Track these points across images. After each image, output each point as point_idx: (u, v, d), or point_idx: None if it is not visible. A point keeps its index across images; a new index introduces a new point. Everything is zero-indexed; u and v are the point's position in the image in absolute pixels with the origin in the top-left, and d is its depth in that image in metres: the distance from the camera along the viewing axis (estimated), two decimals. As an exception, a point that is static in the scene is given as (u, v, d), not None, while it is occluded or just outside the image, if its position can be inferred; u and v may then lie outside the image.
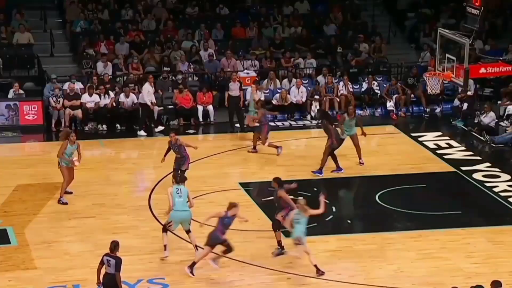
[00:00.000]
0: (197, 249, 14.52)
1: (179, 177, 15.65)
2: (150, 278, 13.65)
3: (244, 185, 17.81)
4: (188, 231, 14.71)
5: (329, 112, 22.24)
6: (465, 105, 22.40)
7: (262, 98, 22.73)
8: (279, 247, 14.80)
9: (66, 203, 16.72)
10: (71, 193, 17.07)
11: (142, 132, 21.30)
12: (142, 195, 17.44)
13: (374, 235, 15.68)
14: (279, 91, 23.04)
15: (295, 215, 14.20)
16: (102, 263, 12.33)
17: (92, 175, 18.12)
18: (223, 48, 24.82)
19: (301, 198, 14.73)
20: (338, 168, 18.31)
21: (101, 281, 12.31)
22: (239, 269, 14.32)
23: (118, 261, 12.25)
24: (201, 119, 22.20)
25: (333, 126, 18.16)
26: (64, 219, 16.22)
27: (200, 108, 22.18)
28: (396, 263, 14.55)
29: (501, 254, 14.87)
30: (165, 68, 23.55)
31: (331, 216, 16.31)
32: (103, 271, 12.33)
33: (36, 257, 14.65)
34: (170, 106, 22.41)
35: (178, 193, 14.60)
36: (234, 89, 21.87)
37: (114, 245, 12.40)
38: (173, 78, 23.11)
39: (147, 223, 16.07)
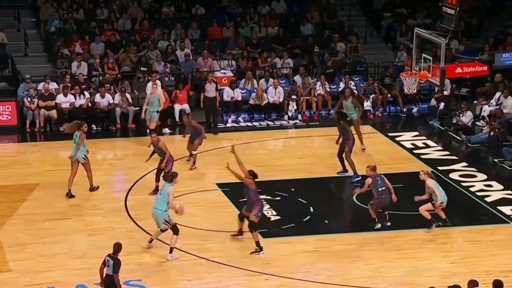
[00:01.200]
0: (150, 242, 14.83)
1: (163, 177, 15.63)
2: (126, 280, 13.60)
3: (222, 185, 17.80)
4: (161, 230, 14.70)
5: (306, 112, 22.31)
6: (441, 105, 22.58)
7: (239, 98, 22.87)
8: (257, 248, 14.83)
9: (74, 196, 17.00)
10: (73, 196, 17.12)
11: (166, 130, 21.55)
12: (119, 196, 17.38)
13: (352, 235, 15.76)
14: (256, 91, 23.06)
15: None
16: (104, 263, 12.38)
17: (67, 176, 18.01)
18: (199, 48, 24.80)
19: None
20: (344, 170, 18.22)
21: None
22: (216, 270, 14.33)
23: (116, 262, 12.28)
24: (177, 119, 22.17)
25: (351, 127, 18.02)
26: (39, 220, 16.12)
27: (176, 108, 22.15)
28: (374, 263, 14.64)
29: (477, 253, 15.01)
30: (141, 68, 23.48)
31: (308, 217, 16.36)
32: (105, 271, 12.35)
33: (11, 259, 14.55)
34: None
35: (160, 190, 14.58)
36: (210, 90, 21.88)
37: (117, 247, 12.46)
38: (149, 78, 23.04)
39: (124, 225, 16.03)
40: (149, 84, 21.70)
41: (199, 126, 18.99)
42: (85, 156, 17.13)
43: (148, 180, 18.11)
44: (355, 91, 23.49)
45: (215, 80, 22.15)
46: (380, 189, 15.72)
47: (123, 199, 17.20)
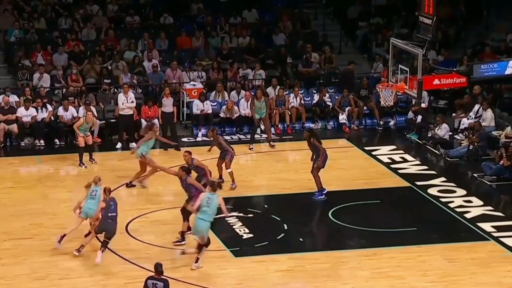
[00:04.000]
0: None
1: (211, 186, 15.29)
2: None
3: (191, 202, 17.75)
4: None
5: (279, 126, 22.41)
6: (419, 118, 22.77)
7: (210, 111, 22.89)
8: (181, 238, 15.23)
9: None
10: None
11: (119, 145, 21.52)
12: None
13: (327, 253, 15.80)
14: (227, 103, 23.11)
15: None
16: None
17: (29, 193, 17.90)
18: (167, 58, 24.81)
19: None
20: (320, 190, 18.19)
21: None
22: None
23: (166, 284, 12.13)
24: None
25: (321, 144, 18.20)
26: (-1, 240, 15.98)
27: (144, 122, 22.09)
28: (350, 282, 14.69)
29: (456, 272, 15.12)
30: (106, 80, 23.42)
31: (282, 234, 16.40)
32: None
33: (-32, 282, 14.40)
34: (112, 120, 22.29)
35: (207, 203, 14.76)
36: (167, 105, 21.94)
37: (161, 267, 12.30)
38: (115, 90, 22.98)
39: (89, 244, 15.92)
40: (121, 96, 21.65)
41: (225, 145, 18.64)
42: (142, 154, 18.21)
43: (116, 195, 18.05)
44: (329, 103, 23.68)
45: (185, 91, 22.15)
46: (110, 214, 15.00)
47: (88, 217, 17.08)
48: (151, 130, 18.87)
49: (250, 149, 21.48)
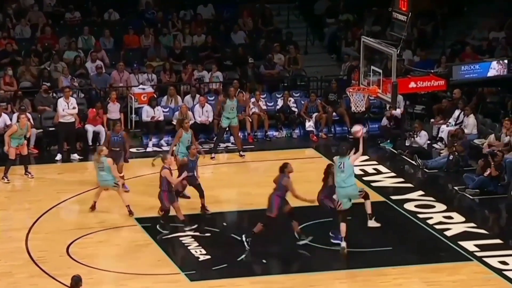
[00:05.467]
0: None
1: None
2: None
3: (142, 220, 17.71)
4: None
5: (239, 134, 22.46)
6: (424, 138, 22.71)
7: (161, 118, 22.85)
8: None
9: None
10: (188, 197, 18.43)
11: (75, 156, 21.41)
12: (17, 235, 17.12)
13: (294, 276, 15.84)
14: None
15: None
16: None
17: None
18: (113, 59, 24.73)
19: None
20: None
21: None
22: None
23: None
24: (90, 143, 22.01)
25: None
26: None
27: (89, 129, 21.99)
28: (320, 308, 14.76)
29: (437, 295, 15.28)
30: (44, 83, 23.26)
31: (243, 256, 16.41)
32: None
33: None
34: (51, 128, 22.13)
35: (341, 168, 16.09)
36: (113, 111, 21.91)
37: (76, 282, 12.12)
38: (54, 95, 22.83)
39: (24, 269, 15.80)
40: (61, 101, 21.52)
41: None
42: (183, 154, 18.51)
43: (54, 215, 17.91)
44: (295, 109, 23.76)
45: (133, 96, 22.12)
46: None
47: (23, 238, 16.96)
48: (182, 126, 19.14)
49: (212, 158, 21.49)
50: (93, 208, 18.07)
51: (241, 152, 21.85)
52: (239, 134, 22.45)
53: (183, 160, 18.19)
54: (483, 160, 19.86)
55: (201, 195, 18.03)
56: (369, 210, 16.56)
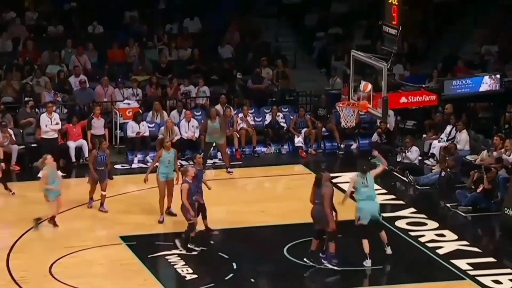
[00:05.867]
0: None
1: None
2: None
3: (126, 238, 17.73)
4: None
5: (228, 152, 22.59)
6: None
7: (147, 134, 22.89)
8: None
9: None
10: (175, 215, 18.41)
11: (59, 172, 21.19)
12: (-1, 254, 17.14)
13: (282, 296, 15.91)
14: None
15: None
16: None
17: None
18: (97, 73, 24.77)
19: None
20: None
21: None
22: None
23: None
24: (73, 159, 22.02)
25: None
26: None
27: (72, 146, 22.01)
28: (309, 329, 14.79)
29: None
30: (26, 99, 23.29)
31: (231, 275, 16.43)
32: None
33: None
34: (33, 145, 22.14)
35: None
36: (97, 127, 21.95)
37: None
38: (36, 110, 22.86)
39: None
40: (44, 116, 21.53)
41: None
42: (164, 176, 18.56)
43: (36, 233, 17.91)
44: (283, 124, 23.85)
45: (118, 111, 22.13)
46: None
47: (4, 257, 16.89)
48: (163, 146, 18.92)
49: None
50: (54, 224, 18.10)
51: (228, 169, 21.91)
52: (227, 150, 22.52)
53: (192, 171, 18.06)
54: (476, 172, 19.94)
55: (204, 216, 17.89)
56: (385, 239, 16.96)
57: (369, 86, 16.87)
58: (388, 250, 16.91)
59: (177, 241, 17.03)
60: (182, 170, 17.57)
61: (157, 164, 18.74)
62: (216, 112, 21.82)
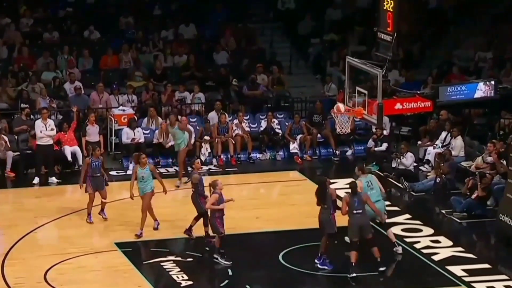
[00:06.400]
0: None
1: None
2: None
3: (122, 245, 17.73)
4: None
5: (222, 156, 22.56)
6: (384, 146, 22.92)
7: (142, 140, 22.89)
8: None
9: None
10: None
11: (53, 179, 21.36)
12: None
13: (278, 302, 15.92)
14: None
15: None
16: None
17: None
18: (92, 80, 24.78)
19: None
20: None
21: None
22: None
23: None
24: (70, 159, 21.97)
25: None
26: None
27: (68, 152, 21.98)
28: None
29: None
30: (22, 105, 23.28)
31: (226, 281, 16.44)
32: None
33: None
34: (28, 151, 22.14)
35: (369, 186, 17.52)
36: (92, 133, 21.95)
37: None
38: (32, 116, 22.84)
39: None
40: (39, 123, 21.52)
41: None
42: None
43: (31, 240, 17.89)
44: (279, 131, 23.86)
45: (113, 118, 22.13)
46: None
47: (-1, 264, 16.95)
48: (138, 162, 18.30)
49: (185, 183, 21.41)
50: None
51: (177, 182, 21.28)
52: (222, 156, 22.50)
53: (195, 178, 17.98)
54: (471, 179, 19.99)
55: (206, 223, 17.78)
56: (393, 238, 17.43)
57: (342, 107, 17.14)
58: (399, 250, 17.43)
59: (218, 258, 16.91)
60: (211, 184, 17.17)
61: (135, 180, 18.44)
62: (175, 118, 21.66)
